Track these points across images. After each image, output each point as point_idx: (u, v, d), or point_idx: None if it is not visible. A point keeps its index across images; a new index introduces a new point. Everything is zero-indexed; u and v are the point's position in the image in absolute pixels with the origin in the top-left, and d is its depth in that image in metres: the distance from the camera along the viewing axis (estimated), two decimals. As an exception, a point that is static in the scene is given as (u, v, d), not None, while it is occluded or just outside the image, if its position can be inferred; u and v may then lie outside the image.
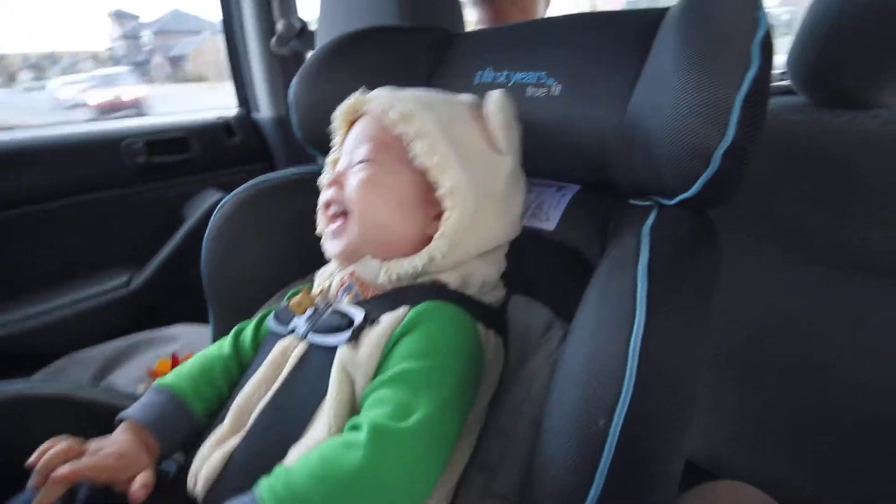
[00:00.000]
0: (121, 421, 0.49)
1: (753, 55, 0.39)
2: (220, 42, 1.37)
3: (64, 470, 0.41)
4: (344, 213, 0.52)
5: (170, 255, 1.18)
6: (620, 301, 0.38)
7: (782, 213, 0.59)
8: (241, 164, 1.35)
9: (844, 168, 0.58)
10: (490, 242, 0.53)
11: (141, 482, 0.43)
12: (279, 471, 0.38)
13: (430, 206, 0.51)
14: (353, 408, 0.43)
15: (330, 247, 0.54)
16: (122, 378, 0.87)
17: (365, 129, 0.54)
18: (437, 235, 0.49)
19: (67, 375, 0.91)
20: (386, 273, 0.50)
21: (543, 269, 0.54)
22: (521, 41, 0.62)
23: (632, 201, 0.53)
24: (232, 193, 0.69)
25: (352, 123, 0.57)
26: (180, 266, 1.19)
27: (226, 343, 0.58)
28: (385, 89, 0.56)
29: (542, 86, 0.57)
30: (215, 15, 1.35)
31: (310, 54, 1.27)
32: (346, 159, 0.54)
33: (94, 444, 0.46)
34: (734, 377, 0.71)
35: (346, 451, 0.37)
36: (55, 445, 0.43)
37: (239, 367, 0.56)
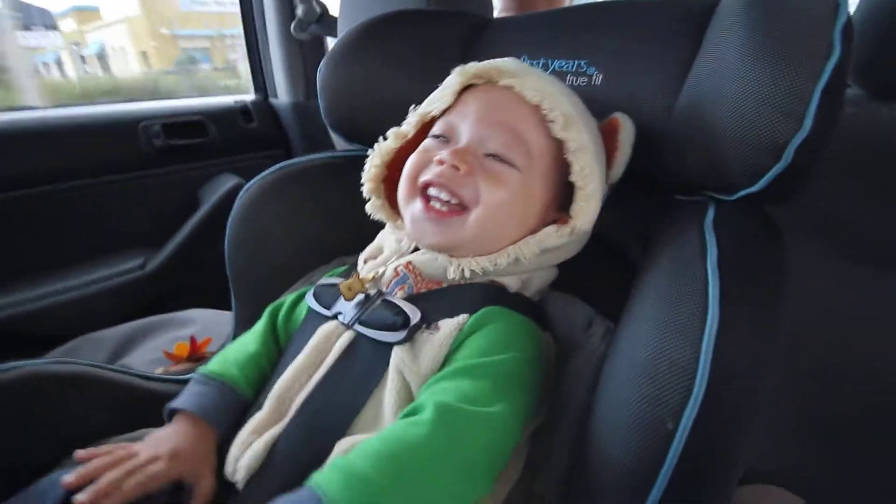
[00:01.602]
0: (171, 411, 0.48)
1: (835, 42, 0.36)
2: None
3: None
4: (458, 205, 0.46)
5: (185, 240, 1.17)
6: (690, 298, 0.36)
7: (828, 209, 0.57)
8: (257, 150, 1.34)
9: (893, 167, 0.56)
10: (567, 257, 0.51)
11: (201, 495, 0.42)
12: (336, 462, 0.36)
13: (545, 216, 0.49)
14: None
15: (429, 232, 0.47)
16: (137, 360, 0.86)
17: (509, 115, 0.47)
18: (532, 241, 0.47)
19: (81, 355, 0.90)
20: (457, 269, 0.46)
21: (582, 265, 0.52)
22: (558, 28, 0.60)
23: (678, 196, 0.51)
24: (258, 177, 0.68)
25: (465, 88, 0.50)
26: (196, 250, 1.19)
27: (261, 325, 0.57)
28: (515, 62, 0.49)
29: (583, 74, 0.55)
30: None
31: (331, 40, 1.26)
32: (472, 136, 0.47)
33: (147, 444, 0.44)
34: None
35: (411, 429, 0.35)
36: (105, 454, 0.42)
37: (277, 349, 0.55)
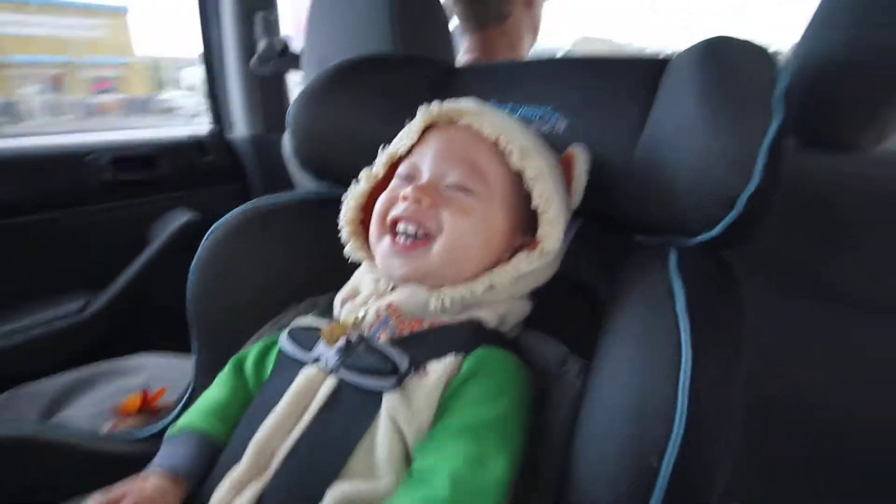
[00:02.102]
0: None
1: (776, 109, 0.41)
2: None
3: None
4: (425, 236, 0.48)
5: (132, 280, 1.11)
6: (664, 341, 0.38)
7: (769, 247, 0.62)
8: (213, 184, 1.30)
9: (828, 207, 0.61)
10: (537, 284, 0.52)
11: None
12: None
13: (511, 240, 0.51)
14: (404, 455, 0.42)
15: (396, 265, 0.49)
16: (78, 414, 0.79)
17: (467, 150, 0.50)
18: (507, 268, 0.49)
19: (12, 411, 0.81)
20: (438, 300, 0.47)
21: (553, 303, 0.53)
22: (525, 77, 0.64)
23: (638, 238, 0.54)
24: (224, 218, 0.65)
25: (427, 128, 0.53)
26: (143, 291, 1.12)
27: (226, 374, 0.55)
28: (474, 102, 0.53)
29: (547, 121, 0.58)
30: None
31: (292, 74, 1.26)
32: (434, 171, 0.50)
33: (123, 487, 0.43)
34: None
35: None
36: None
37: (246, 395, 0.53)
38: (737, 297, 0.43)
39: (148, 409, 0.74)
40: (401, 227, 0.49)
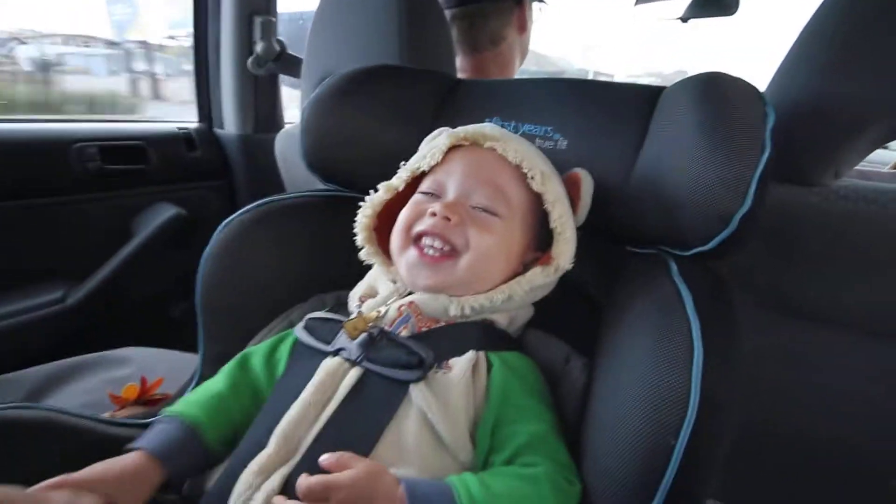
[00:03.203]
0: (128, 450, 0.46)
1: (766, 142, 0.48)
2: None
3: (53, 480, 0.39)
4: (451, 252, 0.51)
5: (115, 272, 1.09)
6: (677, 336, 0.43)
7: (743, 263, 0.69)
8: (199, 180, 1.29)
9: (790, 232, 0.69)
10: (546, 293, 0.56)
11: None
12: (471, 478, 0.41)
13: (525, 256, 0.55)
14: (433, 445, 0.45)
15: (423, 276, 0.52)
16: (64, 403, 0.77)
17: (492, 173, 0.53)
18: (523, 280, 0.52)
19: (-11, 401, 0.79)
20: (458, 307, 0.51)
21: (555, 305, 0.58)
22: (527, 96, 0.68)
23: (631, 248, 0.60)
24: (239, 212, 0.67)
25: (452, 147, 0.55)
26: (125, 284, 1.10)
27: (230, 368, 0.55)
28: (499, 128, 0.57)
29: (550, 139, 0.63)
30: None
31: (290, 80, 1.27)
32: (460, 191, 0.53)
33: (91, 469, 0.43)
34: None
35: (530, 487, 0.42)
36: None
37: (251, 394, 0.54)
38: (732, 301, 0.49)
39: (145, 398, 0.74)
40: (427, 240, 0.52)
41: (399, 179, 0.58)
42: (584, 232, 0.63)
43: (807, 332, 0.72)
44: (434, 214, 0.51)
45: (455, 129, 0.56)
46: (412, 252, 0.53)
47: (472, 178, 0.53)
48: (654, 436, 0.40)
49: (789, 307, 0.74)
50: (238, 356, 0.57)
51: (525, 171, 0.53)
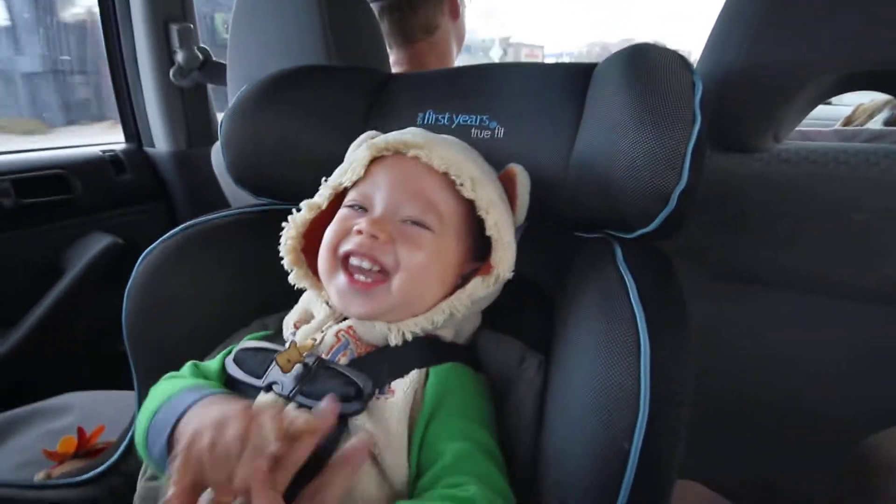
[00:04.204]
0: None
1: (696, 113, 0.46)
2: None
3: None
4: (381, 272, 0.47)
5: (48, 312, 1.01)
6: (623, 330, 0.41)
7: (689, 236, 0.69)
8: (133, 204, 1.22)
9: (736, 201, 0.69)
10: (491, 301, 0.54)
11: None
12: None
13: (463, 268, 0.52)
14: (377, 477, 0.42)
15: (355, 304, 0.48)
16: (1, 465, 0.71)
17: (419, 183, 0.50)
18: (463, 295, 0.49)
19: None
20: (398, 335, 0.47)
21: (508, 302, 0.56)
22: (460, 85, 0.65)
23: (578, 234, 0.58)
24: (160, 239, 0.62)
25: (374, 159, 0.52)
26: (62, 324, 1.02)
27: (190, 370, 0.52)
28: (424, 133, 0.53)
29: (486, 128, 0.60)
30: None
31: (229, 88, 1.21)
32: (387, 205, 0.49)
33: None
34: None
35: None
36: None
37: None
38: (677, 283, 0.48)
39: (86, 450, 0.68)
40: (354, 260, 0.48)
41: (321, 197, 0.53)
42: (530, 222, 0.61)
43: (763, 298, 0.72)
44: (360, 232, 0.47)
45: (375, 140, 0.52)
46: (341, 278, 0.48)
47: (398, 190, 0.49)
48: (608, 440, 0.38)
49: (743, 276, 0.73)
50: (189, 364, 0.53)
51: (453, 177, 0.49)
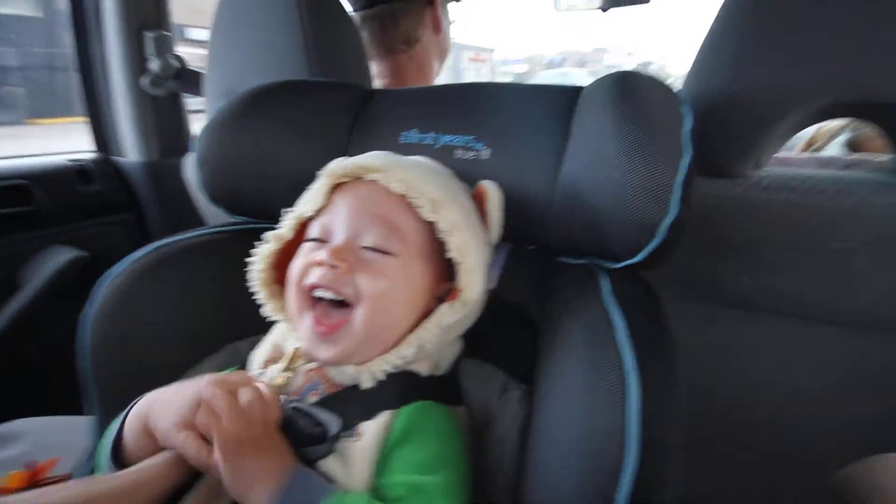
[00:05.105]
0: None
1: (685, 146, 0.46)
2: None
3: None
4: (343, 303, 0.46)
5: (2, 332, 0.95)
6: (609, 372, 0.40)
7: (671, 260, 0.69)
8: (100, 216, 1.16)
9: (718, 226, 0.69)
10: (466, 327, 0.52)
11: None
12: None
13: (434, 291, 0.50)
14: None
15: (321, 351, 0.46)
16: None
17: (379, 208, 0.48)
18: (430, 324, 0.47)
19: None
20: (370, 377, 0.46)
21: (489, 328, 0.54)
22: (446, 104, 0.64)
23: (563, 259, 0.57)
24: (126, 260, 0.58)
25: (336, 185, 0.51)
26: (16, 344, 0.96)
27: None
28: (385, 156, 0.51)
29: (471, 149, 0.58)
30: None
31: (207, 100, 1.18)
32: (348, 232, 0.47)
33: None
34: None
35: None
36: None
37: None
38: (665, 317, 0.47)
39: (39, 483, 0.63)
40: (319, 292, 0.46)
41: (286, 228, 0.52)
42: (515, 244, 0.60)
43: (745, 322, 0.72)
44: (321, 264, 0.46)
45: (333, 167, 0.51)
46: (308, 321, 0.47)
47: (357, 216, 0.48)
48: (593, 486, 0.36)
49: (726, 299, 0.74)
50: None
51: (411, 200, 0.48)
